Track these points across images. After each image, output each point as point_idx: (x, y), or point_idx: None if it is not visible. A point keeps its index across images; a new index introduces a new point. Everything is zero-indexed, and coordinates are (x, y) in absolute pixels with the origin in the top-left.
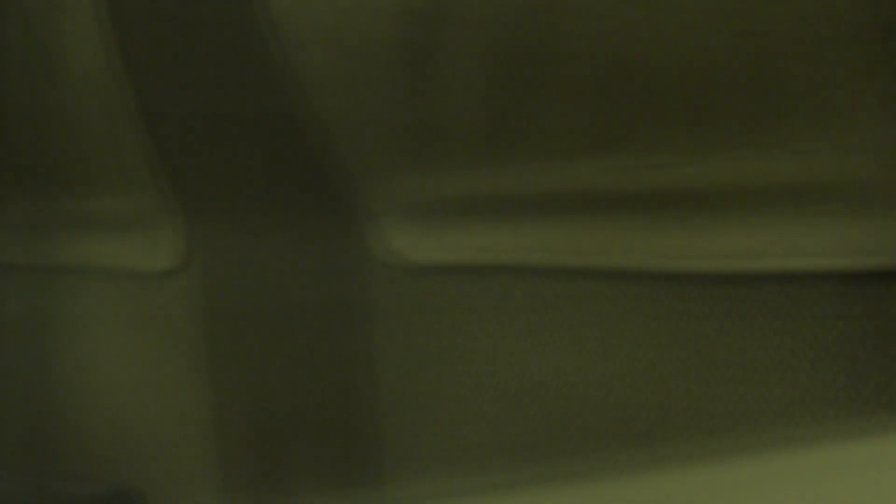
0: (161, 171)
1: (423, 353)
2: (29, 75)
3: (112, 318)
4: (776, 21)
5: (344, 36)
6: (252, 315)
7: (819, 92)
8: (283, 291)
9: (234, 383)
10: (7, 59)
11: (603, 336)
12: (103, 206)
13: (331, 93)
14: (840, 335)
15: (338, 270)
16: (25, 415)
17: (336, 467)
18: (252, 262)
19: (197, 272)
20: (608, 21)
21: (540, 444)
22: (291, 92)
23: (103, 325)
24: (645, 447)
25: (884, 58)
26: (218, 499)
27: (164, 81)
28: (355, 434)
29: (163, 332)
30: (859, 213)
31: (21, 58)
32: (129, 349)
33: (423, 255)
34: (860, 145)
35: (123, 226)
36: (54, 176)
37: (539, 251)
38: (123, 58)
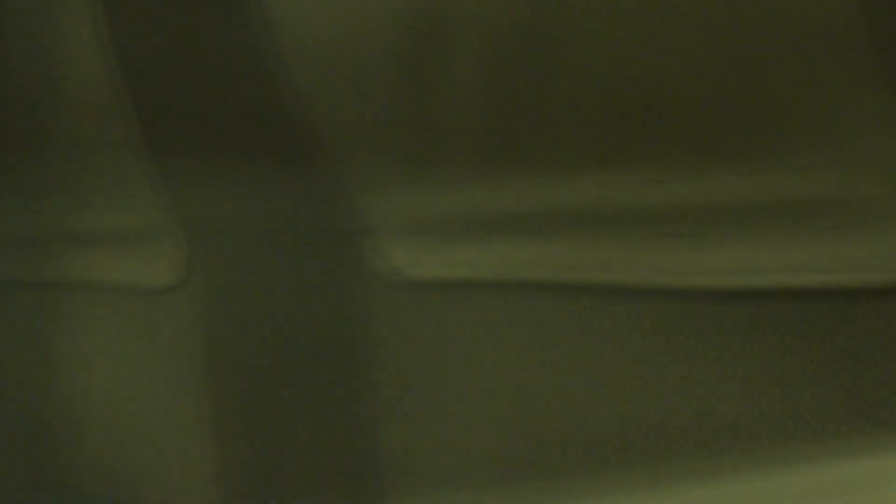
0: (161, 187)
1: (423, 368)
2: (28, 90)
3: (112, 334)
4: (775, 38)
5: (344, 51)
6: (251, 330)
7: (818, 108)
8: (283, 307)
9: (233, 398)
10: (5, 72)
11: (603, 352)
12: (103, 222)
13: (332, 108)
14: (840, 351)
15: (338, 286)
16: (24, 429)
17: (335, 481)
18: (252, 278)
19: (197, 288)
20: (608, 38)
21: (539, 460)
22: (292, 107)
23: (103, 340)
24: (644, 463)
25: (883, 74)
26: None
27: (164, 97)
28: (354, 448)
29: (162, 347)
30: (858, 230)
31: (20, 72)
32: (128, 364)
33: (422, 271)
34: (859, 162)
35: (123, 241)
36: (53, 191)
37: (539, 267)
38: (124, 72)
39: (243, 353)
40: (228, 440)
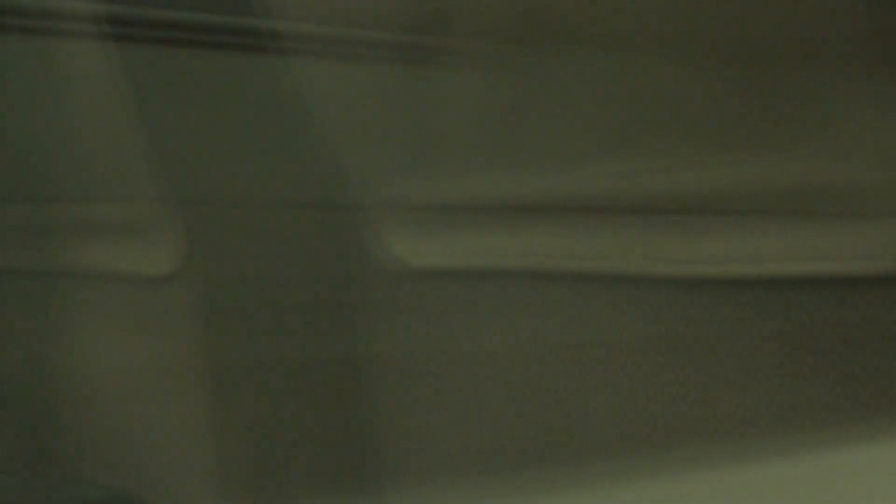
0: (159, 176)
1: (424, 356)
2: (28, 80)
3: (111, 322)
4: (775, 27)
5: (345, 42)
6: (251, 319)
7: (818, 98)
8: (283, 295)
9: (233, 387)
10: (7, 63)
11: (601, 340)
12: (102, 211)
13: (332, 99)
14: (839, 340)
15: (339, 275)
16: (25, 418)
17: (335, 471)
18: (251, 266)
19: (196, 276)
20: (606, 28)
21: (539, 449)
22: (292, 98)
23: (102, 328)
24: (643, 451)
25: (882, 63)
26: (217, 503)
27: (163, 86)
28: (355, 438)
29: (162, 335)
30: (858, 219)
31: (20, 62)
32: (128, 353)
33: (423, 259)
34: (858, 150)
35: (122, 230)
36: (53, 180)
37: (538, 256)
38: (122, 62)
39: (242, 339)
40: (227, 426)
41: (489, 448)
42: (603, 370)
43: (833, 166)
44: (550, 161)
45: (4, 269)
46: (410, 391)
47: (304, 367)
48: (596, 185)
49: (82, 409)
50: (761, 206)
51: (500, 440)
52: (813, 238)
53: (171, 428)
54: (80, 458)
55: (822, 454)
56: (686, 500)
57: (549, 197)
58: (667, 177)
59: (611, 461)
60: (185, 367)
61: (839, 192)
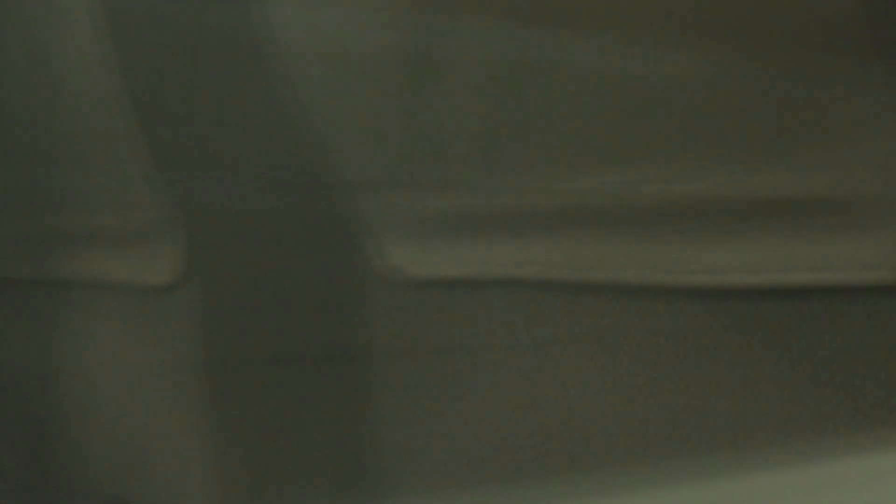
0: (160, 185)
1: (422, 367)
2: (27, 89)
3: (111, 333)
4: (775, 35)
5: (343, 51)
6: (251, 329)
7: (818, 107)
8: (283, 305)
9: (233, 397)
10: (5, 72)
11: (601, 351)
12: (102, 221)
13: (330, 108)
14: (839, 350)
15: (338, 285)
16: (23, 428)
17: (334, 481)
18: (252, 277)
19: (196, 286)
20: (606, 36)
21: (537, 460)
22: (291, 107)
23: (102, 339)
24: (642, 463)
25: (883, 72)
26: None
27: (163, 96)
28: (354, 448)
29: (162, 346)
30: (858, 228)
31: (19, 71)
32: (127, 364)
33: (422, 269)
34: (859, 160)
35: (122, 240)
36: (53, 190)
37: (537, 266)
38: (122, 71)
39: (242, 350)
40: (227, 435)
41: (488, 458)
42: (602, 380)
43: (832, 176)
44: (551, 170)
45: (4, 278)
46: (410, 400)
47: (304, 377)
48: (596, 194)
49: (83, 419)
50: (761, 216)
51: (499, 450)
52: (812, 248)
53: (172, 437)
54: (78, 468)
55: (822, 465)
56: None
57: (549, 206)
58: (666, 186)
59: (610, 471)
60: (185, 377)
61: (838, 202)
